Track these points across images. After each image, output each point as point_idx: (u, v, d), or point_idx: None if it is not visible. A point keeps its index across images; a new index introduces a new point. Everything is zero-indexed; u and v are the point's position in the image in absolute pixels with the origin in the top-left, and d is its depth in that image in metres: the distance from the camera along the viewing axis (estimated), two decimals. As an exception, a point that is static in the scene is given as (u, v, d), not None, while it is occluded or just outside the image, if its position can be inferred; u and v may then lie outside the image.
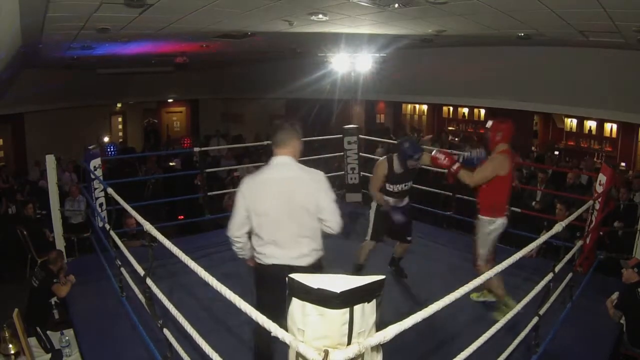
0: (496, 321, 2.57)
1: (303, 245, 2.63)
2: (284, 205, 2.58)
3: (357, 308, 1.48)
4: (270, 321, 1.57)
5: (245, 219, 2.65)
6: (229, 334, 3.61)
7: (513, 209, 5.46)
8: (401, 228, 4.34)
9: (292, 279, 1.53)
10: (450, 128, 12.66)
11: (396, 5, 4.49)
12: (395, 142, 9.55)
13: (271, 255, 2.64)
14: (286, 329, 1.54)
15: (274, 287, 2.46)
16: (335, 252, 5.39)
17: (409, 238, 4.44)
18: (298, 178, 2.64)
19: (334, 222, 2.64)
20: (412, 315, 1.67)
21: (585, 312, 3.95)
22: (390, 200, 4.25)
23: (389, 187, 4.20)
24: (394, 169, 4.14)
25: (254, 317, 1.65)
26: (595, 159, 9.51)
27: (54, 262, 4.48)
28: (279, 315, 2.39)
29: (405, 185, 4.22)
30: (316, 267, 2.68)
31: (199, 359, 2.54)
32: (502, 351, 2.73)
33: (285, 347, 1.54)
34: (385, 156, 4.30)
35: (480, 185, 3.67)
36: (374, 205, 4.38)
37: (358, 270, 4.42)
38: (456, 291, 1.95)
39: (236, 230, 2.69)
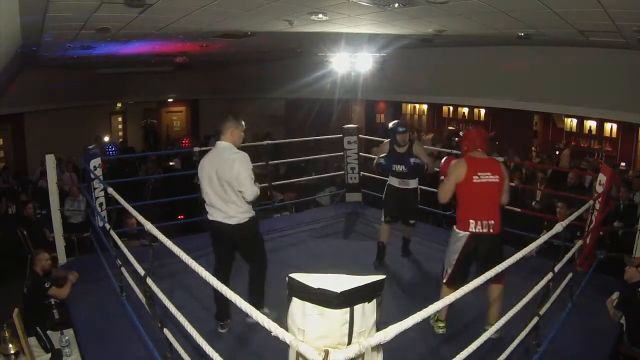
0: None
1: (230, 208, 3.42)
2: (215, 178, 3.39)
3: (358, 308, 1.49)
4: (270, 321, 1.57)
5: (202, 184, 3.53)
6: (229, 334, 3.61)
7: (513, 208, 5.51)
8: (406, 211, 4.92)
9: (292, 279, 1.53)
10: (450, 128, 12.66)
11: (396, 5, 4.49)
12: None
13: (212, 214, 3.51)
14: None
15: (215, 238, 3.61)
16: (335, 252, 5.44)
17: (412, 222, 5.00)
18: (228, 159, 3.38)
19: (247, 193, 3.37)
20: (412, 315, 1.67)
21: (585, 312, 3.95)
22: (397, 181, 4.86)
23: (393, 167, 4.78)
24: (394, 148, 4.81)
25: (254, 317, 1.64)
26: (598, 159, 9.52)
27: (37, 262, 4.43)
28: (226, 262, 3.65)
29: (402, 168, 4.71)
30: (244, 226, 3.48)
31: (199, 359, 2.55)
32: (502, 351, 2.73)
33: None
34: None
35: (449, 196, 3.50)
36: (386, 188, 5.00)
37: (380, 249, 5.03)
38: (456, 291, 1.95)
39: (202, 193, 3.56)
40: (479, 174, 3.36)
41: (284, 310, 1.60)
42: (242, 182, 3.35)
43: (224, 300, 3.23)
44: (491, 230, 3.38)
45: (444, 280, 3.59)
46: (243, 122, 3.55)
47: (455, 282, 3.48)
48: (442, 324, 3.66)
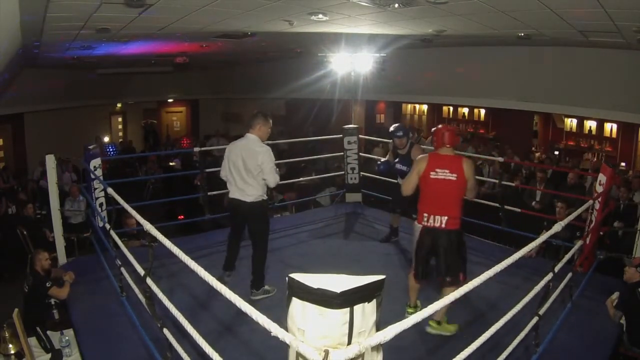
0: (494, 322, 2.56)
1: (248, 189, 4.07)
2: (240, 163, 4.03)
3: (358, 308, 1.49)
4: (269, 321, 1.57)
5: (225, 165, 4.16)
6: (229, 334, 3.61)
7: (513, 208, 5.51)
8: (399, 202, 5.19)
9: (292, 279, 1.53)
10: (450, 128, 12.66)
11: (396, 5, 4.49)
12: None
13: (232, 192, 4.16)
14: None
15: (232, 213, 4.31)
16: (335, 252, 5.44)
17: (398, 210, 5.44)
18: (254, 151, 4.01)
19: (270, 180, 4.07)
20: (412, 315, 1.67)
21: (585, 312, 3.95)
22: (400, 180, 5.08)
23: (397, 167, 5.02)
24: (396, 149, 5.17)
25: (254, 318, 1.64)
26: (591, 158, 9.53)
27: (37, 262, 4.42)
28: (238, 234, 4.35)
29: (406, 168, 4.76)
30: (256, 205, 4.11)
31: (199, 359, 2.55)
32: (502, 351, 2.73)
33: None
34: None
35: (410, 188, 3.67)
36: None
37: (393, 233, 5.59)
38: (456, 291, 1.95)
39: (222, 172, 4.25)
40: (437, 170, 3.48)
41: (284, 311, 1.60)
42: (266, 172, 4.02)
43: (233, 254, 4.38)
44: (443, 226, 3.48)
45: (411, 273, 3.79)
46: (270, 119, 4.22)
47: (418, 275, 3.69)
48: (411, 310, 3.84)
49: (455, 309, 3.68)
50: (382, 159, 5.21)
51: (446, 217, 3.48)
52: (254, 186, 4.07)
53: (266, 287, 4.28)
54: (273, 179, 4.08)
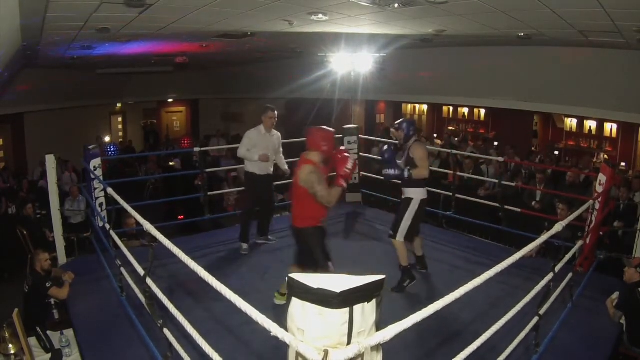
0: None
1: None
2: None
3: (357, 308, 1.49)
4: (269, 321, 1.57)
5: None
6: (229, 334, 3.61)
7: (513, 208, 5.51)
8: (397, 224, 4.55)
9: (292, 279, 1.53)
10: (450, 128, 12.66)
11: (396, 5, 4.49)
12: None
13: None
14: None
15: None
16: (335, 252, 5.42)
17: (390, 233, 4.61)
18: None
19: (239, 150, 5.19)
20: (412, 315, 1.67)
21: (585, 312, 3.95)
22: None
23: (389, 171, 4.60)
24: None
25: (254, 318, 1.64)
26: (594, 159, 9.51)
27: (37, 262, 4.42)
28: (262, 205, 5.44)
29: (394, 171, 4.41)
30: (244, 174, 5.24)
31: (199, 359, 2.55)
32: (502, 351, 2.73)
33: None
34: None
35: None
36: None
37: (419, 263, 4.79)
38: (456, 291, 1.95)
39: None
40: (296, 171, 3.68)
41: (284, 311, 1.60)
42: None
43: (246, 230, 5.25)
44: (291, 222, 3.75)
45: None
46: (270, 112, 5.20)
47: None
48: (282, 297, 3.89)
49: (456, 309, 3.68)
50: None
51: (292, 215, 3.77)
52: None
53: (271, 238, 5.49)
54: (239, 151, 5.14)
